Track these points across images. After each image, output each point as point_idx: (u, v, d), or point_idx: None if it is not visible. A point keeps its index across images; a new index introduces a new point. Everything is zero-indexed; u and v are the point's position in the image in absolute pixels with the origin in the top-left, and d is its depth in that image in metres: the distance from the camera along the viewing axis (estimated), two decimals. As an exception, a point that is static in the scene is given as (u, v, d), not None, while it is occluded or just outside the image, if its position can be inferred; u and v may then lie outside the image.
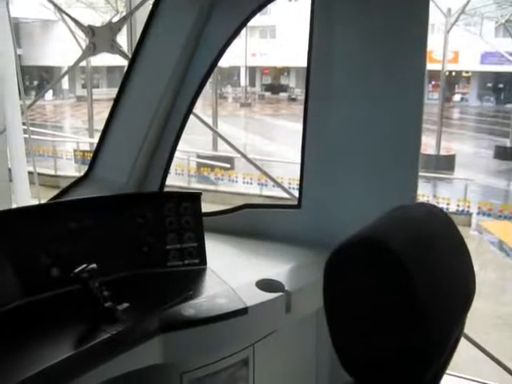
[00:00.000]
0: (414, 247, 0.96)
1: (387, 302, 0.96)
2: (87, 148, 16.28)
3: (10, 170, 6.60)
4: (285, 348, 2.13)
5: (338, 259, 1.03)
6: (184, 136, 2.62)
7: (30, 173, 6.32)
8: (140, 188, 2.53)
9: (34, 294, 1.90)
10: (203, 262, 2.17)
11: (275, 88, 37.23)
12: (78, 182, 2.57)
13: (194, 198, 2.20)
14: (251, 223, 2.52)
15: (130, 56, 4.04)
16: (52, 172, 15.04)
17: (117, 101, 2.61)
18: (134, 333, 1.70)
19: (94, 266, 1.75)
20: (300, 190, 2.46)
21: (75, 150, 16.71)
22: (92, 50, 4.01)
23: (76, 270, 1.72)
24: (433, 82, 27.21)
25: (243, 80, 33.62)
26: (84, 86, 29.72)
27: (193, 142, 14.76)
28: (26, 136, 6.22)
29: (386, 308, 0.97)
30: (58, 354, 1.55)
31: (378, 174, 2.27)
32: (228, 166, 15.11)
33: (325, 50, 2.27)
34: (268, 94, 37.01)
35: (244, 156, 3.92)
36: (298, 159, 2.42)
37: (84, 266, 1.73)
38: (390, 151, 2.25)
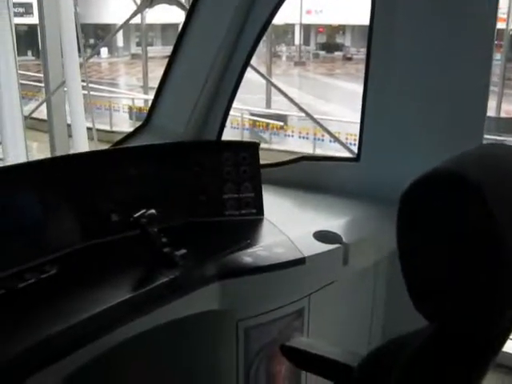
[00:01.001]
0: (497, 184, 0.90)
1: (467, 238, 0.91)
2: (142, 105, 16.41)
3: (68, 125, 6.73)
4: (340, 300, 2.11)
5: (414, 192, 0.97)
6: (237, 95, 2.59)
7: (88, 128, 6.42)
8: (197, 138, 2.52)
9: (94, 238, 1.93)
10: (260, 212, 2.16)
11: (330, 47, 36.49)
12: (136, 131, 2.59)
13: (252, 147, 2.17)
14: (308, 176, 2.48)
15: (187, 7, 4.01)
16: (108, 128, 15.26)
17: (175, 51, 2.59)
18: (191, 278, 1.71)
19: (152, 211, 1.75)
20: (359, 143, 2.41)
21: (130, 107, 16.88)
22: (149, 0, 3.97)
23: (135, 215, 1.73)
24: (495, 42, 26.16)
25: (297, 38, 33.07)
26: (138, 44, 29.82)
27: (246, 101, 14.69)
28: (85, 92, 6.31)
29: (465, 246, 0.92)
30: (116, 297, 1.57)
31: (441, 133, 2.20)
32: (281, 123, 15.00)
33: (388, 8, 2.19)
34: (323, 52, 36.34)
35: (301, 109, 3.85)
36: (355, 119, 2.36)
37: (143, 211, 1.74)
38: (453, 111, 2.17)
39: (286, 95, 3.69)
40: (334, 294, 2.06)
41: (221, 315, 1.83)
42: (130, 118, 16.68)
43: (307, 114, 3.76)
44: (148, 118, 2.64)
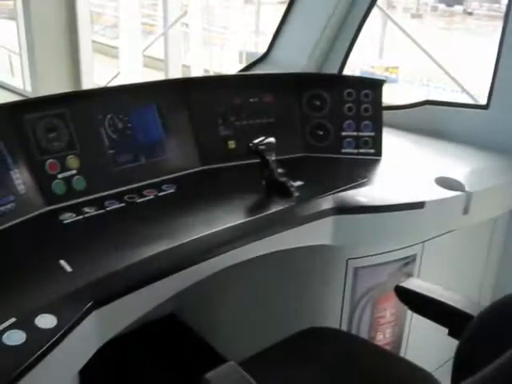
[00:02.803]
0: None
1: None
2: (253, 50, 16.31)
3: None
4: (455, 251, 2.02)
5: None
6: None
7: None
8: (319, 71, 2.45)
9: (212, 163, 1.94)
10: (378, 152, 2.08)
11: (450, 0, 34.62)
12: (256, 62, 2.55)
13: (376, 85, 2.08)
14: (431, 121, 2.36)
15: None
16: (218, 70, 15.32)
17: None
18: (306, 209, 1.67)
19: (272, 139, 1.73)
20: (490, 90, 2.24)
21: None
22: None
23: (255, 141, 1.71)
24: None
25: (416, -11, 31.55)
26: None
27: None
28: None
29: None
30: (228, 221, 1.57)
31: None
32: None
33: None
34: (442, 6, 34.55)
35: (425, 52, 3.66)
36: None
37: (262, 138, 1.72)
38: None
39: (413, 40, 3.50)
40: (450, 244, 1.97)
41: (331, 251, 1.80)
42: (240, 61, 16.67)
43: (432, 59, 3.54)
44: (269, 50, 2.59)
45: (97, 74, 6.64)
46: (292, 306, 1.99)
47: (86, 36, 6.22)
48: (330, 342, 1.58)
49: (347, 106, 2.08)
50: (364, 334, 1.96)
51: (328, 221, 1.69)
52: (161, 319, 2.46)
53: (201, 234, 1.49)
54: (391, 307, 1.97)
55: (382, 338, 2.01)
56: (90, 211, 1.61)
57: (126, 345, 1.94)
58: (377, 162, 2.05)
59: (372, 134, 2.07)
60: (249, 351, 1.48)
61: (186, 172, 1.89)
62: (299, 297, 1.96)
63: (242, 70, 2.52)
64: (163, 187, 1.77)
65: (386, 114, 2.11)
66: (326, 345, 1.56)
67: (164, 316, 2.49)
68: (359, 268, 1.86)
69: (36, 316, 1.15)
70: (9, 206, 1.54)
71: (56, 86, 5.80)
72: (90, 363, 1.25)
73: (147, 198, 1.70)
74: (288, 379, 1.42)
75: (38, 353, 1.07)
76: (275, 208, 1.66)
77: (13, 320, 1.14)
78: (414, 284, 1.50)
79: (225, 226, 1.54)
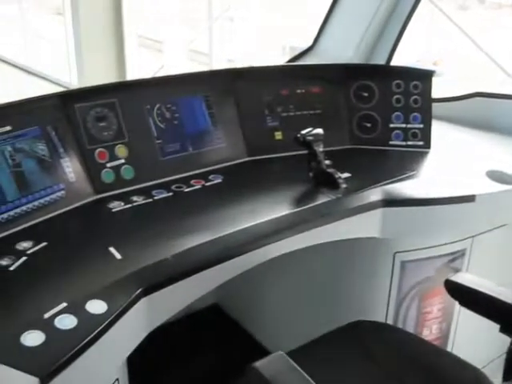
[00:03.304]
0: None
1: None
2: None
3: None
4: (506, 246, 1.96)
5: None
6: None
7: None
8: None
9: (258, 154, 1.94)
10: (427, 145, 2.04)
11: (499, -8, 33.80)
12: (301, 54, 2.53)
13: (426, 75, 2.03)
14: (482, 113, 2.30)
15: None
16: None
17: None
18: (354, 201, 1.65)
19: (319, 130, 1.71)
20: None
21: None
22: None
23: (302, 132, 1.70)
24: None
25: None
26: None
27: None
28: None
29: None
30: (276, 211, 1.56)
31: None
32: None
33: None
34: (490, -2, 33.74)
35: (475, 43, 3.57)
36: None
37: (310, 129, 1.71)
38: None
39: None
40: (501, 239, 1.91)
41: (379, 244, 1.78)
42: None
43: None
44: (315, 42, 2.56)
45: (141, 68, 6.71)
46: (337, 299, 1.98)
47: (132, 30, 6.29)
48: (379, 335, 1.56)
49: (396, 97, 2.04)
50: (410, 329, 1.93)
51: (376, 213, 1.67)
52: (204, 309, 2.47)
53: (248, 225, 1.48)
54: (439, 302, 1.93)
55: (429, 334, 1.97)
56: (138, 200, 1.62)
57: (169, 334, 1.95)
58: (425, 154, 2.01)
59: (421, 125, 2.03)
60: (291, 343, 1.47)
61: (233, 163, 1.89)
62: (344, 289, 1.94)
63: (288, 62, 2.51)
64: (210, 177, 1.77)
65: (434, 107, 2.07)
66: (376, 338, 1.54)
67: (207, 306, 2.50)
68: (406, 262, 1.83)
69: (87, 301, 1.17)
70: (59, 193, 1.57)
71: (102, 79, 5.87)
72: (136, 350, 1.27)
73: (194, 187, 1.71)
74: (337, 371, 1.41)
75: (89, 337, 1.09)
76: (322, 199, 1.64)
77: (64, 305, 1.16)
78: (465, 278, 1.46)
79: (272, 217, 1.53)
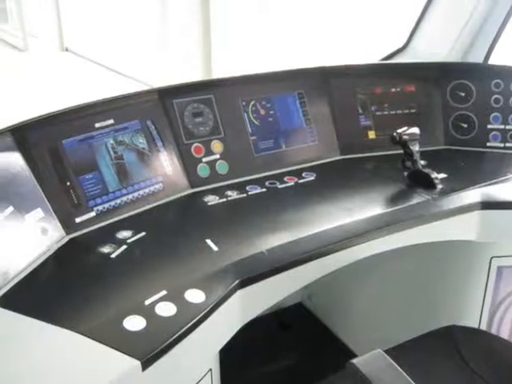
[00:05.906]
0: None
1: None
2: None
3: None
4: None
5: None
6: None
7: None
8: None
9: (351, 153, 1.93)
10: None
11: None
12: (394, 54, 2.48)
13: (528, 75, 1.96)
14: None
15: None
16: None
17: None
18: (451, 202, 1.60)
19: (416, 129, 1.68)
20: None
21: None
22: None
23: (398, 131, 1.67)
24: None
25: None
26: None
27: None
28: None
29: None
30: (370, 210, 1.55)
31: None
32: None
33: None
34: None
35: None
36: None
37: (405, 128, 1.68)
38: None
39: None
40: None
41: (475, 248, 1.72)
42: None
43: None
44: (408, 41, 2.51)
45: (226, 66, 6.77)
46: (429, 302, 1.93)
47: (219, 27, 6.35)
48: (474, 341, 1.51)
49: (494, 97, 1.98)
50: (504, 337, 1.85)
51: (473, 215, 1.62)
52: (288, 308, 2.48)
53: (342, 222, 1.47)
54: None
55: (525, 344, 1.89)
56: (233, 195, 1.65)
57: (255, 330, 1.97)
58: None
59: (521, 127, 1.96)
60: (377, 346, 1.44)
61: (325, 161, 1.89)
62: (437, 293, 1.89)
63: (382, 60, 2.47)
64: (303, 175, 1.78)
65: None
66: (471, 344, 1.49)
67: (292, 305, 2.50)
68: (504, 267, 1.76)
69: (186, 290, 1.19)
70: (157, 186, 1.62)
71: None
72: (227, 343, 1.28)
73: (288, 184, 1.72)
74: (431, 375, 1.38)
75: (188, 325, 1.11)
76: (418, 199, 1.61)
77: (164, 292, 1.19)
78: None
79: (366, 216, 1.51)
